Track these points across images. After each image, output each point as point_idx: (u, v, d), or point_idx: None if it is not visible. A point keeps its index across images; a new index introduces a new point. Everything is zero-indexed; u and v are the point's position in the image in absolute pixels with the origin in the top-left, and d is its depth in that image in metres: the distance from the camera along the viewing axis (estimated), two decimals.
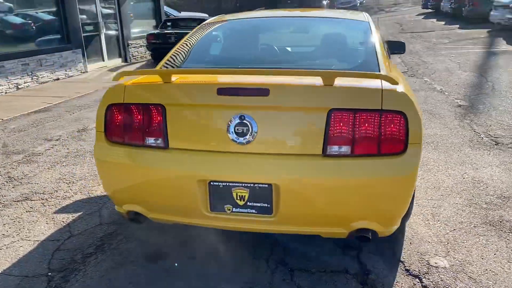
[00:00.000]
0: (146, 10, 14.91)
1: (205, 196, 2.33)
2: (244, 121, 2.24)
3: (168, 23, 13.29)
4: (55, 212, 3.48)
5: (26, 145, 5.20)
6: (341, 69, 2.70)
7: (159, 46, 12.27)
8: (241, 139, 2.25)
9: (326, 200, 2.23)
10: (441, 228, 3.10)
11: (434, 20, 22.54)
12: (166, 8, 17.46)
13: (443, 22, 20.86)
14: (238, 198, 2.30)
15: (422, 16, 25.64)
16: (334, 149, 2.20)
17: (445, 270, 2.63)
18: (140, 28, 13.86)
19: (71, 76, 10.40)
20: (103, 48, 11.91)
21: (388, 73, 2.49)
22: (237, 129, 2.25)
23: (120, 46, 12.72)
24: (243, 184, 2.27)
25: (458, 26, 18.61)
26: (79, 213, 3.44)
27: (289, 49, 3.38)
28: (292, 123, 2.24)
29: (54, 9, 10.22)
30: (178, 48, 3.19)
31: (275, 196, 2.26)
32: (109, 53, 12.21)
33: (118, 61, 12.62)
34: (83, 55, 10.88)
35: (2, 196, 3.80)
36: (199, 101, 2.33)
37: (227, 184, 2.29)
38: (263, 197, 2.28)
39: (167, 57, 3.11)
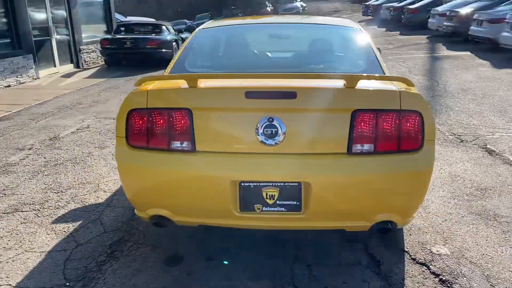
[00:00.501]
0: (97, 14, 14.49)
1: (235, 196, 2.39)
2: (273, 123, 2.34)
3: (122, 28, 13.03)
4: (53, 223, 3.37)
5: None
6: (349, 72, 2.87)
7: (114, 51, 12.02)
8: (270, 140, 2.34)
9: (352, 195, 2.38)
10: (433, 219, 3.35)
11: (375, 26, 23.69)
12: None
13: (384, 29, 21.98)
14: (268, 197, 2.39)
15: (364, 23, 26.83)
16: (358, 147, 2.36)
17: (447, 257, 2.86)
18: (91, 33, 13.46)
19: (23, 83, 9.91)
20: (55, 53, 11.45)
21: (398, 76, 2.69)
22: (266, 130, 2.34)
23: (72, 52, 12.28)
24: (273, 184, 2.37)
25: (399, 32, 19.70)
26: (79, 222, 3.36)
27: (299, 54, 3.52)
28: (318, 123, 2.36)
29: (2, 12, 9.70)
30: (183, 54, 3.21)
31: (304, 193, 2.37)
32: (61, 58, 11.76)
33: (70, 67, 12.18)
34: (34, 61, 10.41)
35: None
36: (228, 104, 2.40)
37: (258, 184, 2.37)
38: (292, 195, 2.38)
39: (174, 62, 3.12)
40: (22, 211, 3.57)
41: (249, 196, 2.40)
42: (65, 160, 4.77)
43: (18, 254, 2.93)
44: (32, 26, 10.45)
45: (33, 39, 10.48)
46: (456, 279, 2.64)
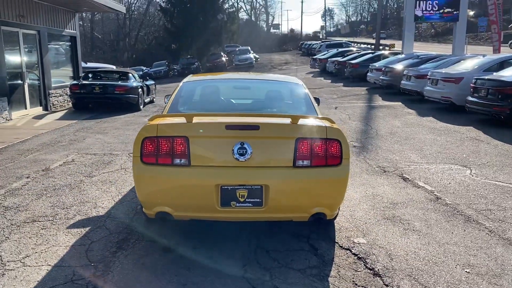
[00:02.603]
0: (65, 61, 15.43)
1: (218, 196, 3.51)
2: (244, 146, 3.52)
3: (89, 75, 14.00)
4: (68, 228, 4.30)
5: (1, 182, 5.76)
6: (294, 114, 4.13)
7: (82, 96, 12.93)
8: (241, 157, 3.50)
9: (296, 195, 3.56)
10: (357, 222, 4.58)
11: (322, 78, 25.94)
12: None
13: (329, 80, 24.18)
14: (240, 196, 3.53)
15: (311, 75, 29.18)
16: (300, 162, 3.57)
17: (364, 244, 4.06)
18: (59, 78, 14.34)
19: None
20: (26, 96, 12.22)
21: (325, 117, 3.99)
22: (239, 151, 3.51)
23: (42, 95, 13.07)
24: (244, 187, 3.51)
25: (342, 84, 21.84)
26: (89, 228, 4.31)
27: (258, 99, 4.81)
28: (274, 146, 3.57)
29: None
30: (175, 100, 4.38)
31: (264, 193, 3.53)
32: (31, 101, 12.52)
33: (39, 109, 12.92)
34: (8, 103, 11.13)
35: (11, 220, 4.48)
36: (213, 133, 3.56)
37: (233, 187, 3.51)
38: (257, 195, 3.53)
39: (169, 105, 4.27)
40: (39, 221, 4.46)
41: (227, 195, 3.52)
42: (62, 186, 5.67)
43: (49, 247, 3.85)
44: (7, 71, 11.26)
45: (8, 83, 11.26)
46: (368, 256, 3.84)
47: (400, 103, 14.18)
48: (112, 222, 4.47)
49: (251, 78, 5.34)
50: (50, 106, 13.32)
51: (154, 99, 16.37)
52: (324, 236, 4.23)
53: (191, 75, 5.35)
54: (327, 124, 3.70)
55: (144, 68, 38.04)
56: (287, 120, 3.64)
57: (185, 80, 4.97)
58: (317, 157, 3.58)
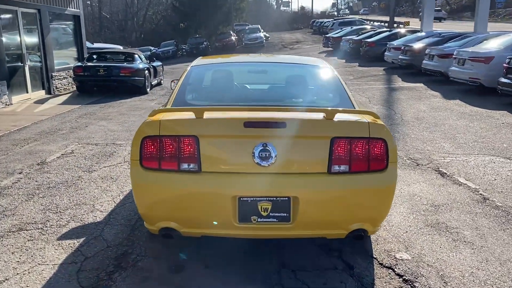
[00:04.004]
0: (68, 42, 14.73)
1: (235, 209, 2.84)
2: (267, 148, 2.83)
3: (94, 56, 13.31)
4: (58, 239, 3.68)
5: None
6: (325, 106, 3.42)
7: (86, 79, 12.29)
8: (264, 162, 2.82)
9: (332, 208, 2.88)
10: (396, 231, 3.91)
11: (336, 58, 24.93)
12: None
13: (344, 60, 23.20)
14: (263, 210, 2.86)
15: (324, 54, 28.17)
16: (336, 168, 2.88)
17: (409, 261, 3.39)
18: (63, 60, 13.67)
19: None
20: (27, 80, 11.59)
21: (365, 110, 3.27)
22: (261, 154, 2.83)
23: (44, 78, 12.43)
24: (267, 198, 2.84)
25: (357, 64, 20.90)
26: (83, 239, 3.69)
27: (279, 88, 4.07)
28: (304, 148, 2.88)
29: None
30: (181, 88, 3.67)
31: (292, 206, 2.86)
32: (33, 85, 11.90)
33: (41, 93, 12.31)
34: (8, 87, 10.52)
35: None
36: (229, 132, 2.87)
37: (254, 199, 2.84)
38: (283, 208, 2.86)
39: (174, 96, 3.56)
40: (26, 230, 3.85)
41: (246, 209, 2.85)
42: (57, 183, 5.05)
43: (33, 267, 3.24)
44: (6, 53, 10.61)
45: (7, 65, 10.62)
46: (416, 278, 3.17)
47: (422, 85, 13.32)
48: (111, 230, 3.84)
49: (270, 61, 4.58)
50: (53, 90, 12.70)
51: (162, 81, 15.66)
52: (359, 250, 3.56)
53: (200, 57, 4.63)
54: (369, 119, 2.99)
55: (152, 48, 37.20)
56: (320, 115, 2.94)
57: (193, 63, 4.24)
58: (357, 161, 2.89)
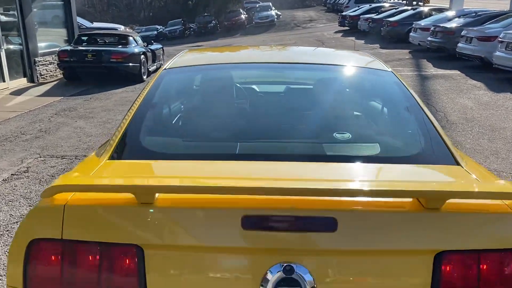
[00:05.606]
0: (56, 21, 13.10)
1: None
2: (292, 275, 1.28)
3: (83, 38, 11.72)
4: None
5: None
6: (401, 156, 1.82)
7: (73, 65, 10.75)
8: None
9: None
10: None
11: (353, 38, 22.97)
12: (78, 19, 15.67)
13: (362, 41, 21.29)
14: None
15: (341, 34, 26.23)
16: None
17: None
18: (49, 42, 12.09)
19: None
20: (3, 66, 10.06)
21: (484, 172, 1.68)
22: (280, 285, 1.27)
23: (25, 64, 10.89)
24: None
25: (378, 45, 19.03)
26: None
27: (314, 117, 2.28)
28: (377, 274, 1.31)
29: None
30: (136, 116, 2.01)
31: None
32: (11, 72, 10.37)
33: (23, 81, 10.79)
34: None
35: None
36: (209, 241, 1.31)
37: None
38: None
39: (123, 130, 1.93)
40: None
41: None
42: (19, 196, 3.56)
43: None
44: None
45: None
46: None
47: (459, 72, 11.54)
48: None
49: (292, 62, 2.69)
50: (37, 77, 11.15)
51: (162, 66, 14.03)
52: None
53: (186, 51, 2.97)
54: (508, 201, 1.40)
55: (159, 27, 35.45)
56: (408, 197, 1.36)
57: (169, 64, 2.57)
58: None
